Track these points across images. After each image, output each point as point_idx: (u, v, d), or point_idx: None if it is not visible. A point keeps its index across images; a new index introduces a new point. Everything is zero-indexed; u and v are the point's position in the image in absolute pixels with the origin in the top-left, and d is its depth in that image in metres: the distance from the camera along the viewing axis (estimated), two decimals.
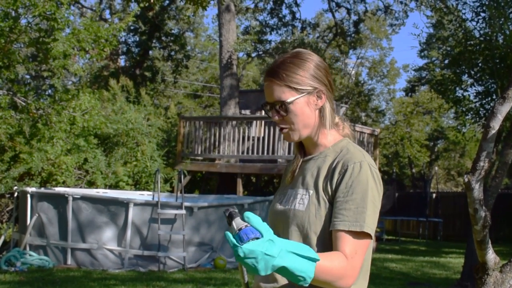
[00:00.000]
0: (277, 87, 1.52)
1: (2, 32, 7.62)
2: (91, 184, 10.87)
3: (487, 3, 7.41)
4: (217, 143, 12.06)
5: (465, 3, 7.94)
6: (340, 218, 1.44)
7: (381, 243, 14.34)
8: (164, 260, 8.20)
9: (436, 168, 23.47)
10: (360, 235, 1.43)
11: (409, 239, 16.89)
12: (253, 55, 16.07)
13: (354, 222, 1.43)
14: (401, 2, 16.36)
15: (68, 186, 10.14)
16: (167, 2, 17.61)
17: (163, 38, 18.29)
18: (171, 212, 8.19)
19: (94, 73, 18.96)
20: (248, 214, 1.29)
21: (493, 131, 3.17)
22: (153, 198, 9.24)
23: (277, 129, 11.18)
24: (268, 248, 1.26)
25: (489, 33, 7.50)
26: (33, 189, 8.64)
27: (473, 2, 7.78)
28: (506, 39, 7.00)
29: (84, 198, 8.18)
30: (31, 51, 12.93)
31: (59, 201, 8.23)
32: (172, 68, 19.68)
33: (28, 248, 8.27)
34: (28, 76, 17.29)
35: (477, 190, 3.14)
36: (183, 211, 8.18)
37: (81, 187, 10.57)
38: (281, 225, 1.56)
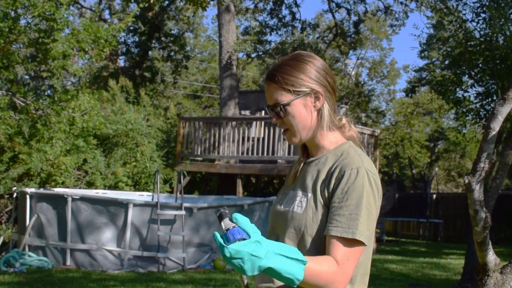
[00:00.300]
0: (274, 90, 1.54)
1: (1, 32, 7.60)
2: (90, 184, 10.85)
3: (487, 3, 7.40)
4: (216, 144, 12.04)
5: (465, 3, 7.93)
6: (333, 223, 1.45)
7: (381, 244, 14.32)
8: (163, 261, 8.18)
9: (437, 169, 23.45)
10: (353, 242, 1.43)
11: (410, 240, 16.87)
12: (253, 55, 16.06)
13: (347, 229, 1.43)
14: (401, 3, 16.35)
15: (67, 187, 10.12)
16: (166, 2, 17.60)
17: (163, 38, 18.28)
18: (170, 213, 8.17)
19: (93, 73, 18.94)
20: (236, 216, 1.32)
21: (494, 132, 3.15)
22: (152, 199, 9.22)
23: (277, 130, 11.16)
24: (254, 249, 1.28)
25: (490, 33, 7.48)
26: (32, 189, 8.63)
27: (474, 2, 7.77)
28: (506, 40, 6.99)
29: (84, 198, 8.16)
30: (30, 51, 12.91)
31: (58, 202, 8.21)
32: (172, 68, 19.67)
33: (27, 248, 8.25)
34: (27, 77, 17.28)
35: (478, 191, 3.12)
36: (183, 212, 8.17)
37: (80, 188, 10.56)
38: (280, 226, 1.57)
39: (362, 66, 26.25)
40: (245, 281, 1.47)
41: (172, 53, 18.67)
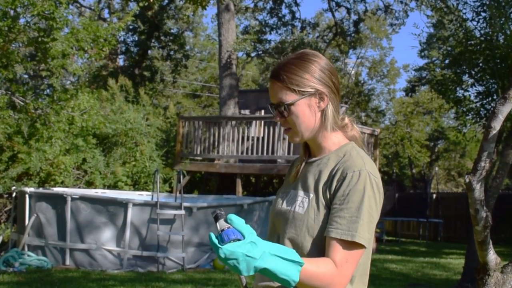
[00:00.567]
0: (279, 89, 1.53)
1: (0, 31, 7.58)
2: (89, 184, 10.84)
3: (487, 2, 7.38)
4: (216, 143, 12.03)
5: (465, 2, 7.91)
6: (333, 225, 1.45)
7: (381, 244, 14.31)
8: (163, 261, 8.17)
9: (437, 168, 23.45)
10: (352, 244, 1.43)
11: (410, 240, 16.86)
12: (252, 54, 16.04)
13: (347, 231, 1.43)
14: (401, 2, 16.33)
15: (67, 186, 10.11)
16: (166, 1, 17.58)
17: (162, 37, 18.26)
18: (170, 213, 8.16)
19: (93, 72, 18.92)
20: (231, 216, 1.32)
21: (494, 132, 3.13)
22: (152, 199, 9.21)
23: (277, 129, 11.15)
24: (249, 249, 1.29)
25: (490, 33, 7.46)
26: (32, 189, 8.62)
27: (474, 1, 7.74)
28: (506, 39, 6.97)
29: (83, 198, 8.15)
30: (29, 50, 12.90)
31: (58, 201, 8.20)
32: (171, 67, 19.65)
33: (26, 248, 8.23)
34: (26, 76, 17.26)
35: (478, 191, 3.11)
36: (182, 212, 8.15)
37: (79, 187, 10.55)
38: (280, 225, 1.57)
39: (362, 65, 26.23)
40: (244, 282, 1.47)
41: (172, 52, 18.65)
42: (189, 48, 24.44)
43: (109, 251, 8.08)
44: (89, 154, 10.70)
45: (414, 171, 25.34)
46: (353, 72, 25.16)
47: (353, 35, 18.14)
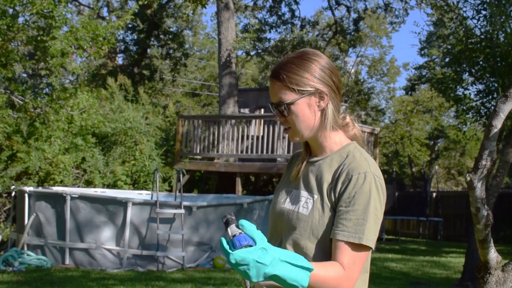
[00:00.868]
0: (279, 88, 1.53)
1: None
2: (89, 183, 10.82)
3: (488, 1, 7.35)
4: (216, 142, 12.01)
5: (466, 0, 7.89)
6: (340, 227, 1.45)
7: (381, 242, 14.30)
8: (163, 260, 8.15)
9: (436, 167, 23.42)
10: (359, 246, 1.44)
11: (409, 239, 16.85)
12: (252, 53, 16.01)
13: (353, 234, 1.44)
14: (401, 0, 16.30)
15: (66, 186, 10.09)
16: (165, 0, 17.55)
17: (162, 36, 18.23)
18: (170, 212, 8.14)
19: (92, 71, 18.90)
20: (243, 222, 1.32)
21: (496, 130, 3.12)
22: (151, 198, 9.19)
23: (276, 128, 11.13)
24: (260, 256, 1.28)
25: (490, 31, 7.44)
26: (31, 188, 8.60)
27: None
28: (507, 37, 6.95)
29: (82, 197, 8.13)
30: (28, 49, 12.88)
31: (57, 201, 8.18)
32: (171, 66, 19.63)
33: (26, 247, 8.22)
34: (25, 75, 17.24)
35: (479, 189, 3.10)
36: (182, 211, 8.13)
37: (79, 187, 10.53)
38: (283, 226, 1.57)
39: (362, 64, 26.20)
40: (248, 285, 1.49)
41: (171, 51, 18.62)
42: (189, 46, 24.41)
43: (109, 250, 8.06)
44: (88, 153, 10.68)
45: (414, 169, 25.33)
46: (352, 70, 25.14)
47: (353, 33, 18.11)
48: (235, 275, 7.55)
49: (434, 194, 17.89)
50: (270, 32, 16.64)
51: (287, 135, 1.65)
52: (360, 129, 1.63)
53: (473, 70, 8.02)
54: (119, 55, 19.72)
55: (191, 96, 25.18)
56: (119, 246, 8.04)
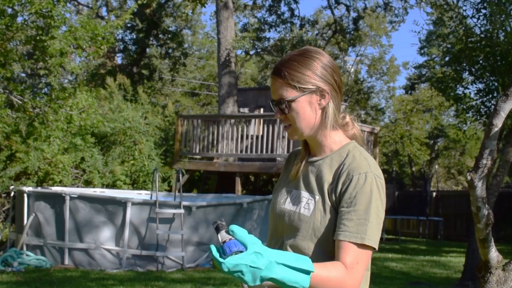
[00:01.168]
0: (280, 85, 1.53)
1: None
2: (88, 183, 10.81)
3: None
4: (215, 142, 11.99)
5: None
6: (342, 228, 1.45)
7: (381, 242, 14.28)
8: (162, 260, 8.13)
9: (436, 166, 23.41)
10: (362, 246, 1.44)
11: (410, 238, 16.84)
12: (251, 52, 15.99)
13: (355, 234, 1.43)
14: None
15: (65, 186, 10.08)
16: None
17: (161, 35, 18.21)
18: (169, 212, 8.12)
19: (91, 71, 18.87)
20: (233, 228, 1.30)
21: (496, 129, 3.10)
22: (151, 198, 9.17)
23: (276, 128, 11.11)
24: (253, 260, 1.27)
25: (490, 30, 7.42)
26: (30, 188, 8.58)
27: None
28: (507, 36, 6.93)
29: (81, 197, 8.11)
30: (27, 49, 12.86)
31: (56, 201, 8.16)
32: (170, 66, 19.60)
33: (25, 248, 8.20)
34: (24, 75, 17.22)
35: (480, 188, 3.08)
36: (182, 211, 8.11)
37: (78, 187, 10.51)
38: (284, 227, 1.56)
39: (362, 63, 26.20)
40: (246, 286, 1.48)
41: (170, 51, 18.59)
42: (188, 46, 24.38)
43: (108, 250, 8.04)
44: (87, 153, 10.67)
45: (414, 169, 25.31)
46: (352, 69, 25.13)
47: (352, 32, 18.10)
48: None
49: (434, 194, 17.87)
50: (269, 31, 16.62)
51: (286, 134, 1.63)
52: (359, 129, 1.62)
53: (473, 69, 8.00)
54: (118, 55, 19.69)
55: (191, 96, 25.16)
56: (119, 246, 8.03)
